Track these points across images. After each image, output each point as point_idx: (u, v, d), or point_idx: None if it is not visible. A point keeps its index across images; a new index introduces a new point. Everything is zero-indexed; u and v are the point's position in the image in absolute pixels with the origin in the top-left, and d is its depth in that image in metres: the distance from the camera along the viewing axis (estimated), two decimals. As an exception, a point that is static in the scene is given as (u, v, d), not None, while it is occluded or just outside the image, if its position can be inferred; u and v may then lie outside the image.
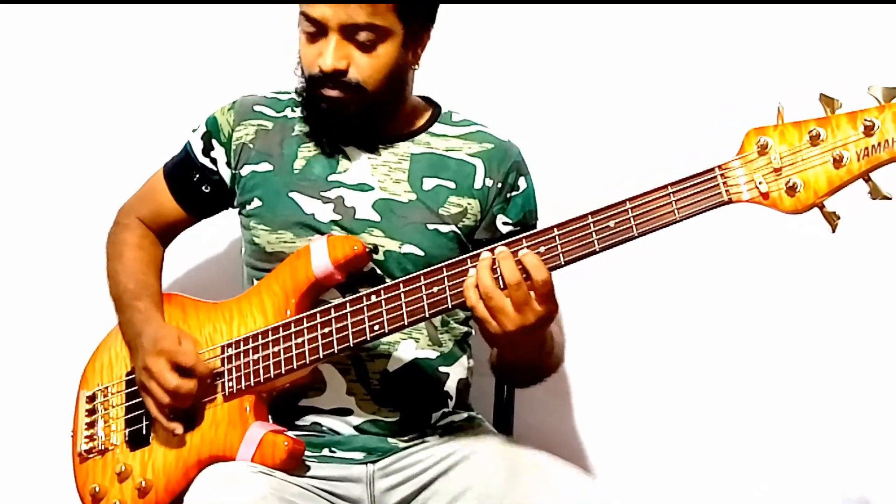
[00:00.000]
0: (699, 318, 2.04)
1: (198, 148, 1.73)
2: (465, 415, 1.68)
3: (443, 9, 1.65)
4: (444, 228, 1.63)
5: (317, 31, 1.56)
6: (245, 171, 1.68)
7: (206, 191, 1.73)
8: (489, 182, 1.66)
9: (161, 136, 1.95)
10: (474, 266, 1.38)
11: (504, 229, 1.66)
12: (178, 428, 1.56)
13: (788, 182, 1.26)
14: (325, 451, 1.59)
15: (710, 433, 2.05)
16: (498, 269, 1.35)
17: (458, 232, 1.64)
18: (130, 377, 1.67)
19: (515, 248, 1.36)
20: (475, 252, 1.40)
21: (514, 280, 1.33)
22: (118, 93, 2.09)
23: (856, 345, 2.01)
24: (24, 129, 2.11)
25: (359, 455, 1.59)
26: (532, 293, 1.34)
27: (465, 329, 1.70)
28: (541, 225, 1.39)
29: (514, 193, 1.68)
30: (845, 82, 1.31)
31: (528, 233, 1.38)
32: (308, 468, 1.56)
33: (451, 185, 1.64)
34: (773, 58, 1.96)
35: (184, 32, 2.08)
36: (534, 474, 1.49)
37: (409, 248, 1.61)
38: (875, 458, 2.02)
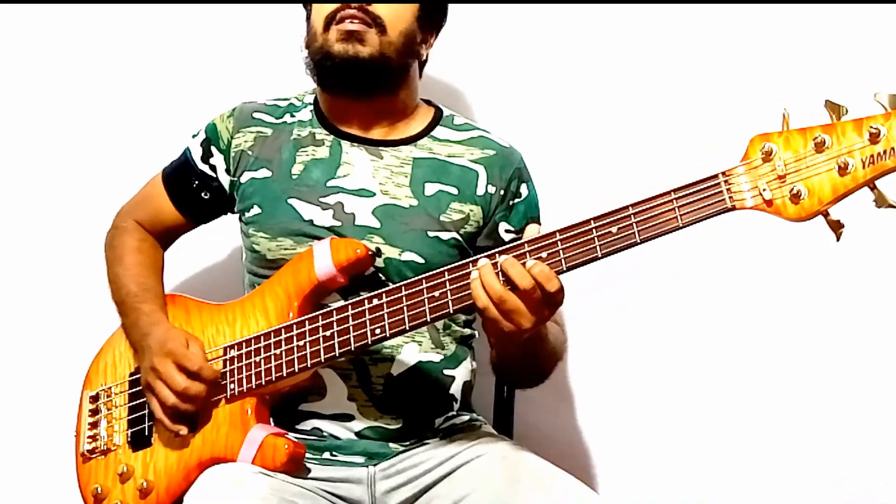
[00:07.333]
0: (701, 322, 2.03)
1: (197, 154, 1.72)
2: (466, 416, 1.68)
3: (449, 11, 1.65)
4: (444, 235, 1.62)
5: None
6: (244, 178, 1.68)
7: (206, 197, 1.73)
8: (491, 189, 1.65)
9: (159, 140, 1.96)
10: (476, 269, 1.36)
11: (507, 237, 1.65)
12: (183, 429, 1.56)
13: (793, 189, 1.24)
14: (327, 455, 1.58)
15: (711, 434, 2.04)
16: (503, 275, 1.33)
17: (460, 238, 1.63)
18: (134, 377, 1.67)
19: (519, 253, 1.35)
20: (476, 257, 1.38)
21: (528, 286, 1.31)
22: (116, 96, 2.08)
23: (859, 352, 2.00)
24: (24, 131, 2.11)
25: (360, 459, 1.58)
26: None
27: (469, 331, 1.69)
28: (543, 231, 1.37)
29: (516, 201, 1.67)
30: (851, 88, 1.30)
31: (528, 238, 1.36)
32: (309, 470, 1.55)
33: (454, 191, 1.63)
34: (777, 63, 1.94)
35: (182, 36, 2.08)
36: (536, 483, 1.48)
37: (409, 256, 1.60)
38: (882, 458, 2.02)
